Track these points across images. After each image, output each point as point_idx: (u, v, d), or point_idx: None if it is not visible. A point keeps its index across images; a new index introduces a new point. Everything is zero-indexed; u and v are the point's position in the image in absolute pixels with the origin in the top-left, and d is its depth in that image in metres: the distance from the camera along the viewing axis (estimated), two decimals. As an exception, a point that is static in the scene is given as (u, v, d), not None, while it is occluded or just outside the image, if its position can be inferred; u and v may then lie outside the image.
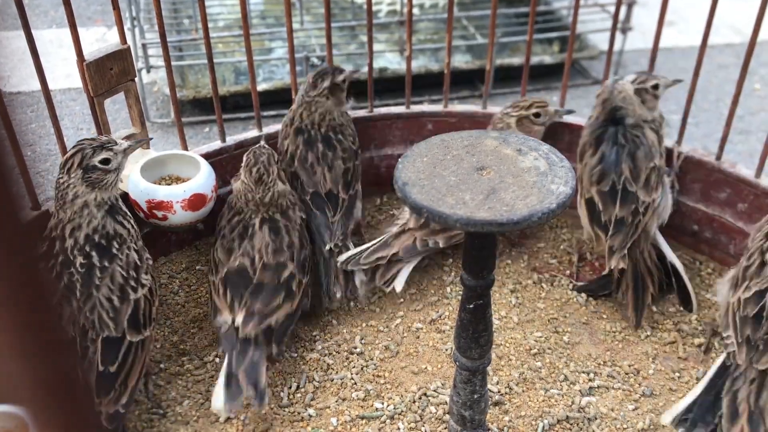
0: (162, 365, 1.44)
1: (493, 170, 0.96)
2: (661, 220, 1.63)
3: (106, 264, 1.26)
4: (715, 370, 1.33)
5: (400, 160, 0.99)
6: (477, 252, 0.99)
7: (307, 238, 1.52)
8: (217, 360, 1.45)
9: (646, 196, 1.57)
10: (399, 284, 1.57)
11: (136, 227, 1.34)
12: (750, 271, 1.35)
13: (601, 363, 1.46)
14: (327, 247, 1.57)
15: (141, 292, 1.28)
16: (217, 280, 1.42)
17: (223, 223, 1.50)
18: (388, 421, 1.33)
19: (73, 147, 1.29)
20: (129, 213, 1.33)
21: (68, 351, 0.41)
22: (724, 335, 1.34)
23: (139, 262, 1.30)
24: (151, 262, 1.34)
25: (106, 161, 1.27)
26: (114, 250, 1.27)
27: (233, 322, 1.37)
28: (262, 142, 1.53)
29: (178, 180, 1.55)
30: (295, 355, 1.47)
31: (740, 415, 1.26)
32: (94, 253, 1.26)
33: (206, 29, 1.55)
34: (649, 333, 1.54)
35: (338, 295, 1.54)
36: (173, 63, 2.35)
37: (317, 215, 1.60)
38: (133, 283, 1.27)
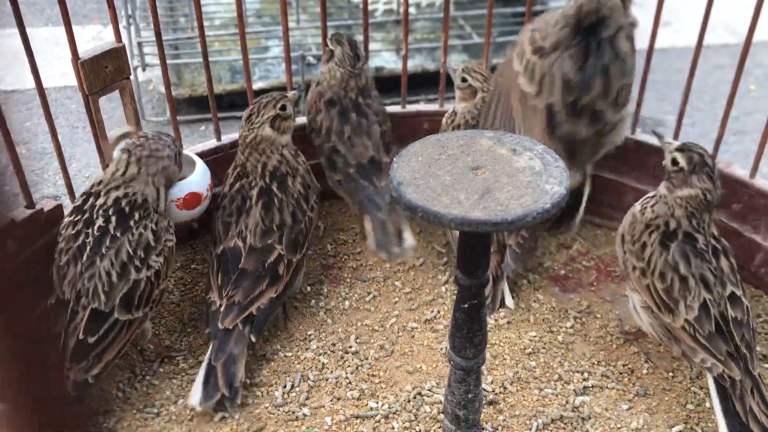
0: (156, 364, 1.44)
1: (488, 170, 0.96)
2: (620, 139, 1.57)
3: (119, 234, 1.29)
4: (717, 397, 1.28)
5: (395, 159, 0.98)
6: (471, 251, 1.00)
7: (306, 210, 1.53)
8: (212, 359, 1.45)
9: (612, 115, 1.49)
10: (509, 301, 1.59)
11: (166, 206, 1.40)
12: (676, 292, 1.31)
13: (595, 362, 1.47)
14: (382, 217, 1.60)
15: (144, 274, 1.29)
16: (214, 256, 1.47)
17: (225, 189, 1.54)
18: (382, 420, 1.33)
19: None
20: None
21: (45, 353, 0.41)
22: (696, 360, 1.30)
23: (153, 243, 1.32)
24: (171, 244, 1.37)
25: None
26: (132, 222, 1.31)
27: (220, 306, 1.39)
28: (291, 93, 1.60)
29: (174, 178, 1.55)
30: (290, 354, 1.47)
31: None
32: (113, 219, 1.30)
33: (201, 27, 1.55)
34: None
35: (396, 251, 1.59)
36: (169, 61, 2.36)
37: (365, 186, 1.63)
38: (138, 263, 1.29)
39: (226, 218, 1.49)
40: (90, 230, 1.30)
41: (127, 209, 1.32)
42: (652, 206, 1.40)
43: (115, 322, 1.26)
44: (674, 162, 1.37)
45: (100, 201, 1.32)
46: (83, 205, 1.33)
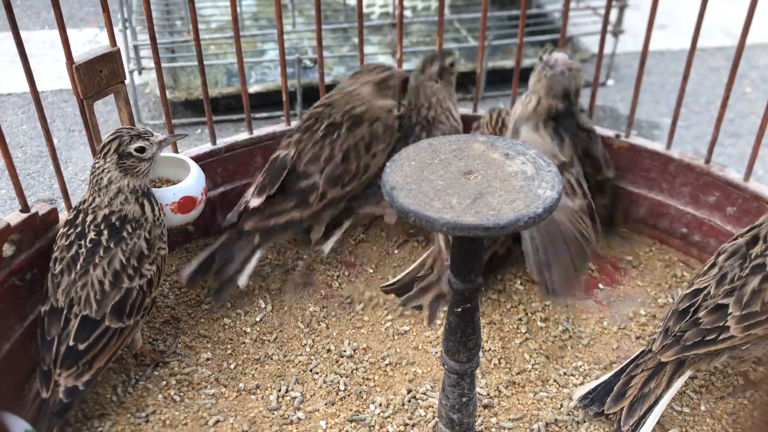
0: (150, 369, 1.43)
1: (480, 174, 0.96)
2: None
3: (112, 245, 1.30)
4: (632, 357, 1.37)
5: (387, 164, 0.99)
6: (464, 256, 1.00)
7: (362, 156, 1.59)
8: (207, 362, 1.45)
9: (608, 171, 1.66)
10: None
11: (161, 215, 1.39)
12: (700, 272, 1.40)
13: (590, 366, 1.47)
14: None
15: (136, 282, 1.30)
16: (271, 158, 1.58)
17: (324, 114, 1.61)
18: (377, 424, 1.33)
19: (112, 134, 1.34)
20: (157, 201, 1.39)
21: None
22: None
23: (147, 251, 1.32)
24: (164, 252, 1.37)
25: (141, 149, 1.33)
26: (125, 233, 1.31)
27: (246, 204, 1.51)
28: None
29: (168, 182, 1.55)
30: (284, 357, 1.47)
31: (625, 398, 1.30)
32: (105, 232, 1.30)
33: (196, 31, 1.55)
34: (639, 335, 1.54)
35: None
36: (165, 64, 2.35)
37: None
38: (131, 271, 1.30)
39: (308, 136, 1.58)
40: (83, 242, 1.30)
41: (117, 224, 1.32)
42: None
43: (105, 330, 1.26)
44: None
45: (90, 218, 1.32)
46: (75, 220, 1.33)
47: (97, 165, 1.33)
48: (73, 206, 1.37)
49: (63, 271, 1.29)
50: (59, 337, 1.25)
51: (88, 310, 1.26)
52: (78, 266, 1.28)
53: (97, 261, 1.28)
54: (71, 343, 1.24)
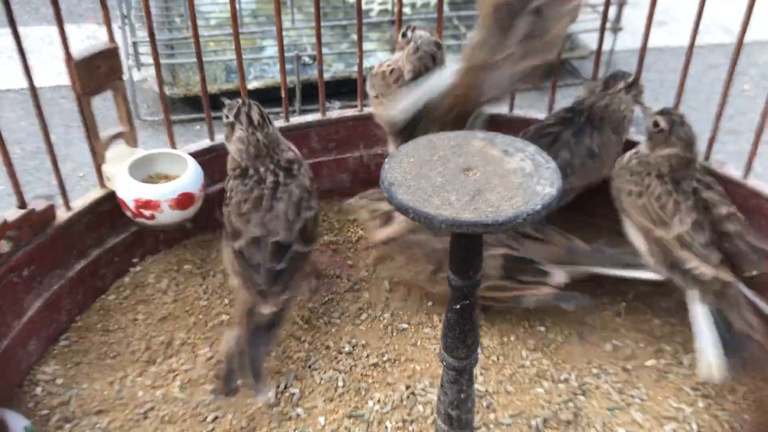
0: (150, 365, 1.43)
1: (479, 171, 0.96)
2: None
3: (288, 182, 1.43)
4: (705, 318, 1.39)
5: (386, 160, 0.98)
6: (463, 252, 1.00)
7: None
8: (209, 358, 1.45)
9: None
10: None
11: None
12: (670, 208, 1.44)
13: (588, 361, 1.47)
14: None
15: (308, 214, 1.43)
16: None
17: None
18: (375, 420, 1.33)
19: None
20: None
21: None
22: (688, 266, 1.40)
23: (309, 188, 1.46)
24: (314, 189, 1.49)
25: None
26: (294, 171, 1.45)
27: None
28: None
29: (166, 178, 1.55)
30: (283, 354, 1.47)
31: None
32: (281, 173, 1.43)
33: (195, 27, 1.54)
34: (639, 332, 1.54)
35: None
36: (164, 61, 2.35)
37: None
38: (305, 203, 1.43)
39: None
40: (263, 185, 1.41)
41: (287, 165, 1.44)
42: (637, 162, 1.53)
43: (296, 254, 1.38)
44: (655, 124, 1.50)
45: (263, 168, 1.42)
46: (244, 176, 1.42)
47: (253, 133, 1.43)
48: (251, 172, 1.44)
49: (250, 210, 1.39)
50: (263, 262, 1.35)
51: (280, 235, 1.37)
52: (264, 202, 1.39)
53: (279, 196, 1.40)
54: (268, 265, 1.35)
